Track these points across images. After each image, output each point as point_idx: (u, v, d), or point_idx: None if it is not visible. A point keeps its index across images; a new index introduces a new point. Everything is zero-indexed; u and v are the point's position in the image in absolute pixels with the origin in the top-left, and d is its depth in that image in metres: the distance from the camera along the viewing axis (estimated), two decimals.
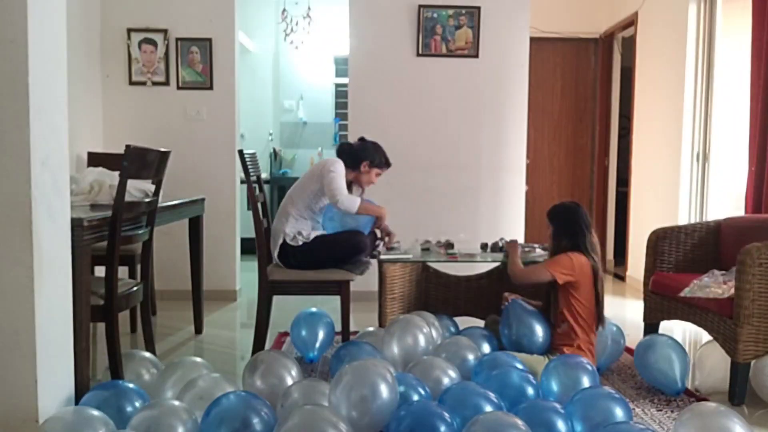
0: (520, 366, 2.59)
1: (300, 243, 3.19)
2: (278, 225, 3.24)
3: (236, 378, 2.77)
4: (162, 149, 2.85)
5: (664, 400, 2.75)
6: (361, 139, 3.49)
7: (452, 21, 4.58)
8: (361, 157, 3.39)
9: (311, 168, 3.41)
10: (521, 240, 4.54)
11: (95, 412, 2.02)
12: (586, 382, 2.46)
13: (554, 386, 2.49)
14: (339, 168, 3.24)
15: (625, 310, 4.43)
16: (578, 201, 5.98)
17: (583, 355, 2.79)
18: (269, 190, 6.62)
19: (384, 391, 2.10)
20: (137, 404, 2.19)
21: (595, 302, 2.85)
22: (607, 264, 5.96)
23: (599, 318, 2.87)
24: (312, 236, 3.20)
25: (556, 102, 6.11)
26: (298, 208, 3.24)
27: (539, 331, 2.86)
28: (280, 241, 3.20)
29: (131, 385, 2.31)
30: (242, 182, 3.93)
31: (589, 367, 2.54)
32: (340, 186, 3.19)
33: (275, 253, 3.22)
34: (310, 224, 3.27)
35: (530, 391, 2.36)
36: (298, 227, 3.20)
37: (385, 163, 3.46)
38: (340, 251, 3.22)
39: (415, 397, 2.25)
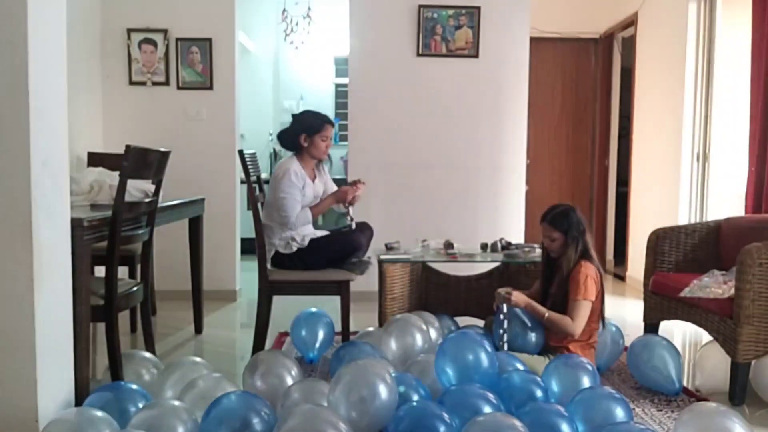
0: (521, 367, 2.59)
1: (294, 249, 3.18)
2: (267, 238, 3.20)
3: (236, 378, 2.77)
4: (162, 149, 2.85)
5: (664, 400, 2.75)
6: (292, 116, 3.40)
7: (452, 21, 4.58)
8: (296, 133, 3.28)
9: (272, 180, 3.29)
10: (521, 239, 4.54)
11: (99, 413, 2.02)
12: (586, 382, 2.46)
13: (555, 386, 2.49)
14: (288, 187, 3.15)
15: (625, 310, 4.43)
16: (578, 201, 6.00)
17: (588, 355, 2.80)
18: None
19: (383, 391, 2.10)
20: (140, 405, 2.19)
21: (601, 303, 2.86)
22: (607, 264, 5.96)
23: (602, 317, 2.88)
24: (307, 240, 3.20)
25: (556, 102, 6.11)
26: (277, 221, 3.20)
27: (532, 331, 2.83)
28: (272, 252, 3.20)
29: (134, 387, 2.32)
30: (242, 182, 3.93)
31: (590, 367, 2.54)
32: (290, 208, 3.13)
33: (269, 264, 3.22)
34: (301, 229, 3.24)
35: (538, 393, 2.35)
36: (290, 235, 3.19)
37: (322, 122, 3.27)
38: (335, 252, 3.21)
39: (415, 398, 2.25)
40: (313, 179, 3.36)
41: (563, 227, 2.84)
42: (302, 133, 3.27)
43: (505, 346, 2.81)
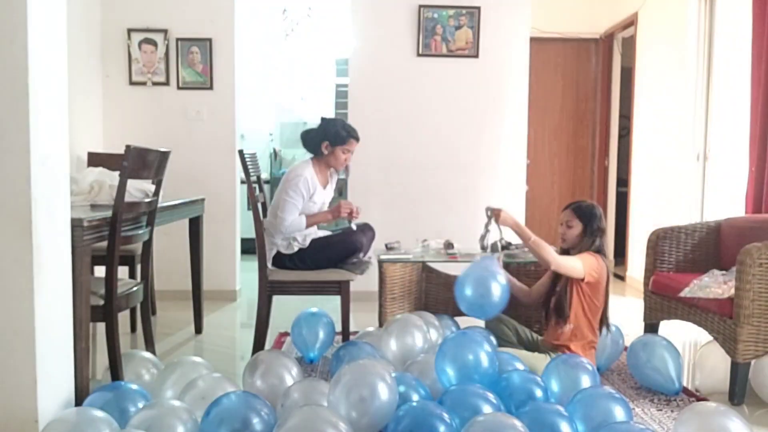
0: (521, 366, 2.59)
1: (296, 249, 3.18)
2: (269, 237, 3.20)
3: (236, 378, 2.77)
4: (162, 149, 2.85)
5: (664, 400, 2.75)
6: (321, 119, 3.35)
7: (452, 21, 4.58)
8: (319, 139, 3.26)
9: (283, 180, 3.28)
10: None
11: (99, 413, 2.02)
12: (586, 382, 2.46)
13: (555, 386, 2.49)
14: (294, 192, 3.15)
15: (625, 310, 4.43)
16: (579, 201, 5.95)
17: (588, 355, 2.80)
18: (269, 190, 6.62)
19: (383, 391, 2.10)
20: (140, 405, 2.19)
21: (604, 304, 2.86)
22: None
23: (605, 319, 2.88)
24: (308, 240, 3.20)
25: (556, 102, 6.11)
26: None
27: (496, 290, 2.68)
28: (273, 252, 3.20)
29: (134, 386, 2.32)
30: (242, 182, 3.93)
31: (590, 367, 2.54)
32: (287, 212, 3.13)
33: (269, 263, 3.21)
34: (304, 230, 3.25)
35: (538, 393, 2.35)
36: (292, 235, 3.19)
37: (348, 136, 3.24)
38: (336, 252, 3.21)
39: (415, 398, 2.25)
40: (325, 186, 3.35)
41: (585, 218, 2.87)
42: (326, 140, 3.25)
43: (487, 247, 2.93)
